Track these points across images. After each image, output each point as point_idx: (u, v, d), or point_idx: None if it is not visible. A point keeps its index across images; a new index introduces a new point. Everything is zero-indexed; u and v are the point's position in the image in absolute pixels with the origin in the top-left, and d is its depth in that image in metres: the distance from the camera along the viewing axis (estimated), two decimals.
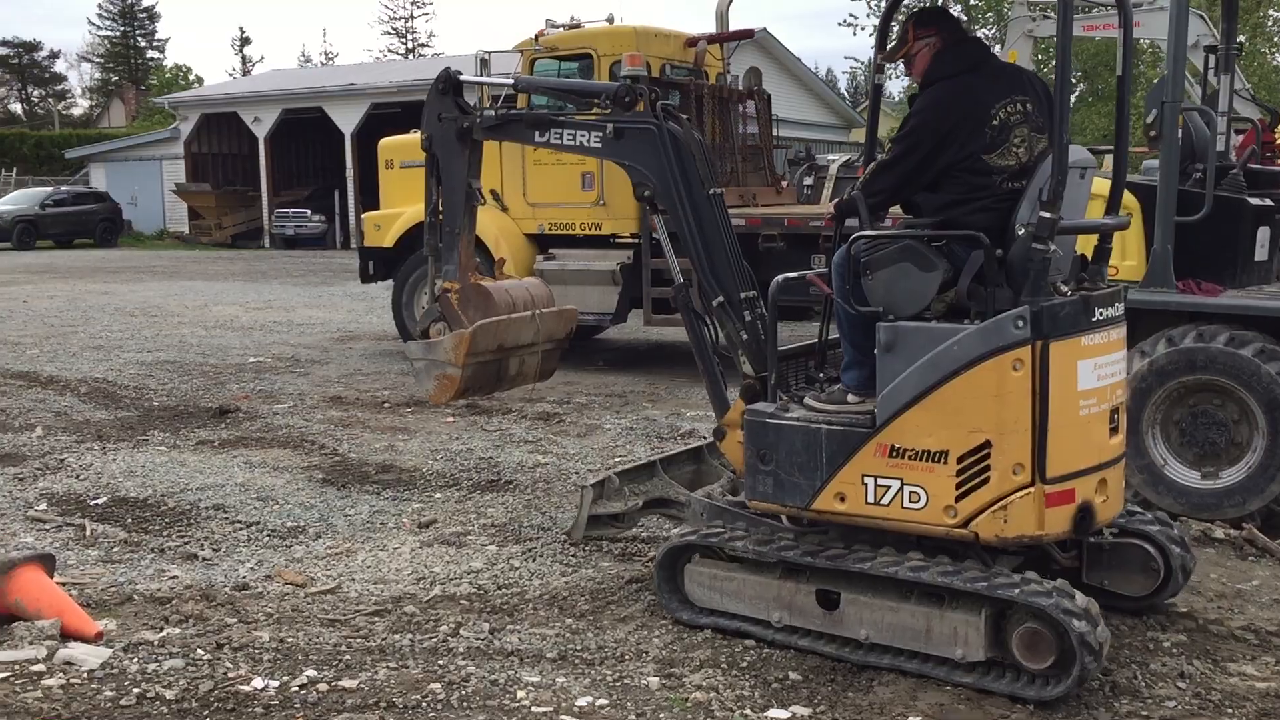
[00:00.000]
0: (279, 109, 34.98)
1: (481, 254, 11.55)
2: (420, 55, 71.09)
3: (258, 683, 4.19)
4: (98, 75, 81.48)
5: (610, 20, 11.91)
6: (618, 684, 4.23)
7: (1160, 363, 6.17)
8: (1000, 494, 4.07)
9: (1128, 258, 6.77)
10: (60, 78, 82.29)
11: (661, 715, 3.98)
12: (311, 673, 4.28)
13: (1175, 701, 4.10)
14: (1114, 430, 4.33)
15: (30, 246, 33.22)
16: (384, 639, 4.66)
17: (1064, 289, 4.23)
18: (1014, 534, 4.09)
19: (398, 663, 4.41)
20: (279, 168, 36.25)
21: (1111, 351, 4.30)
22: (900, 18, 5.27)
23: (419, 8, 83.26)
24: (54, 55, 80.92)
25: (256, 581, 5.37)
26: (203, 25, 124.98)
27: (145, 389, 10.32)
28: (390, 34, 79.02)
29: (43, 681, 4.17)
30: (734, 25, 12.88)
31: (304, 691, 4.13)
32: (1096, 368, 4.19)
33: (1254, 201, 6.92)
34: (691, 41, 11.92)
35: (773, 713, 4.01)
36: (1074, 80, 40.20)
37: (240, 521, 6.33)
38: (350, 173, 33.38)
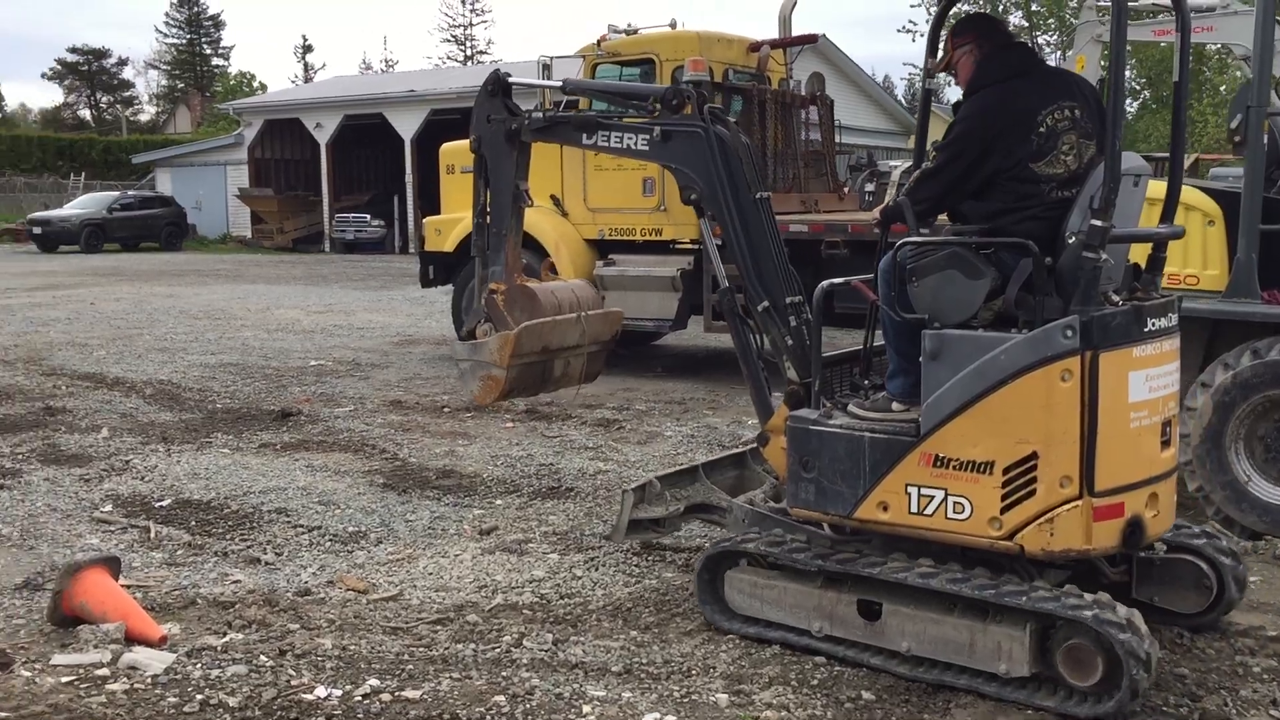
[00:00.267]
0: (340, 115, 35.40)
1: (541, 258, 11.59)
2: (479, 62, 71.58)
3: (320, 691, 4.14)
4: (164, 82, 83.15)
5: (673, 25, 11.82)
6: (685, 700, 4.13)
7: (1245, 376, 5.96)
8: (1047, 506, 3.99)
9: (1210, 267, 6.54)
10: (128, 84, 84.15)
11: None
12: (374, 682, 4.22)
13: None
14: (1166, 443, 4.22)
15: (98, 249, 33.85)
16: (447, 648, 4.60)
17: (1115, 299, 4.14)
18: (1060, 548, 4.00)
19: (461, 673, 4.34)
20: (340, 173, 36.67)
21: (1164, 363, 4.20)
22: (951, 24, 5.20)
23: (478, 15, 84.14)
24: (122, 62, 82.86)
25: (319, 587, 5.34)
26: (266, 33, 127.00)
27: (209, 391, 10.40)
28: (449, 41, 79.68)
29: (107, 686, 4.15)
30: (795, 31, 12.75)
31: (367, 701, 4.07)
32: (1148, 379, 4.09)
33: None
34: (754, 46, 11.80)
35: None
36: (1138, 87, 39.50)
37: (302, 526, 6.32)
38: (409, 178, 33.68)
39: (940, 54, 4.77)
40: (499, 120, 5.54)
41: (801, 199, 11.71)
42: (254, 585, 5.33)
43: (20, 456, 7.79)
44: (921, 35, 34.86)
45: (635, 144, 5.16)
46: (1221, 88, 34.05)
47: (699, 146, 4.90)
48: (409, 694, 4.13)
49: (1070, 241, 4.07)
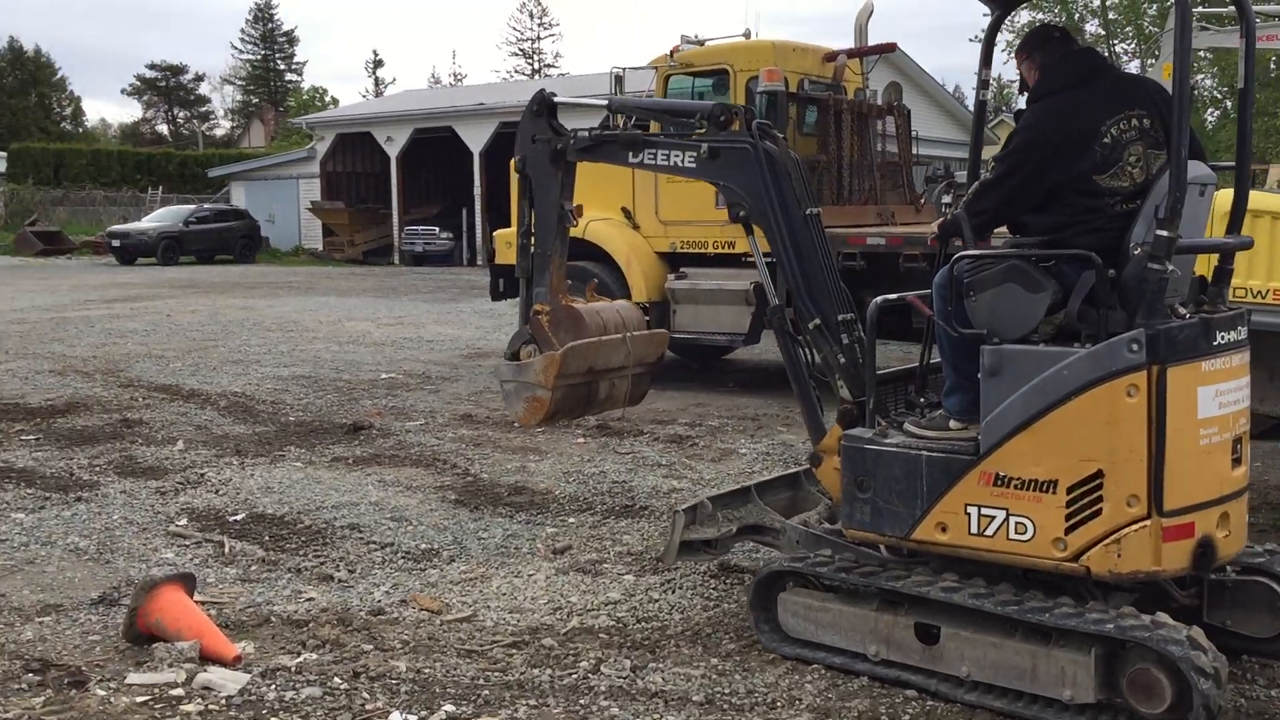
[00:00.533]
0: (410, 128, 35.74)
1: (612, 271, 11.51)
2: (546, 75, 72.09)
3: (395, 716, 4.05)
4: (239, 97, 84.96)
5: (747, 35, 11.67)
6: None
7: None
8: (1113, 527, 3.88)
9: None
10: (204, 100, 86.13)
11: None
12: (450, 708, 4.12)
13: None
14: (1237, 461, 4.07)
15: (174, 262, 34.49)
16: (522, 673, 4.48)
17: (1182, 311, 4.01)
18: (1128, 569, 3.87)
19: (538, 700, 4.22)
20: (409, 186, 37.02)
21: (1234, 378, 4.05)
22: (1006, 34, 5.11)
23: (545, 29, 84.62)
24: (199, 78, 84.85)
25: (392, 606, 5.26)
26: (338, 48, 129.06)
27: (282, 404, 10.44)
28: (518, 55, 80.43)
29: (181, 707, 4.09)
30: (871, 40, 12.53)
31: None
32: (1218, 395, 3.96)
33: None
34: (830, 56, 11.61)
35: None
36: (1219, 95, 38.52)
37: (375, 542, 6.26)
38: (478, 190, 33.88)
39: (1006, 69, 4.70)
40: (544, 140, 5.55)
41: (878, 211, 11.49)
42: (327, 603, 5.27)
43: (98, 469, 7.85)
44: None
45: (682, 161, 5.13)
46: None
47: (747, 163, 4.86)
48: None
49: (1135, 253, 3.96)
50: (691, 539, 5.33)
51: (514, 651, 4.71)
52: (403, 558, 6.01)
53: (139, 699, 4.15)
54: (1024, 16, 34.12)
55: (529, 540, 6.33)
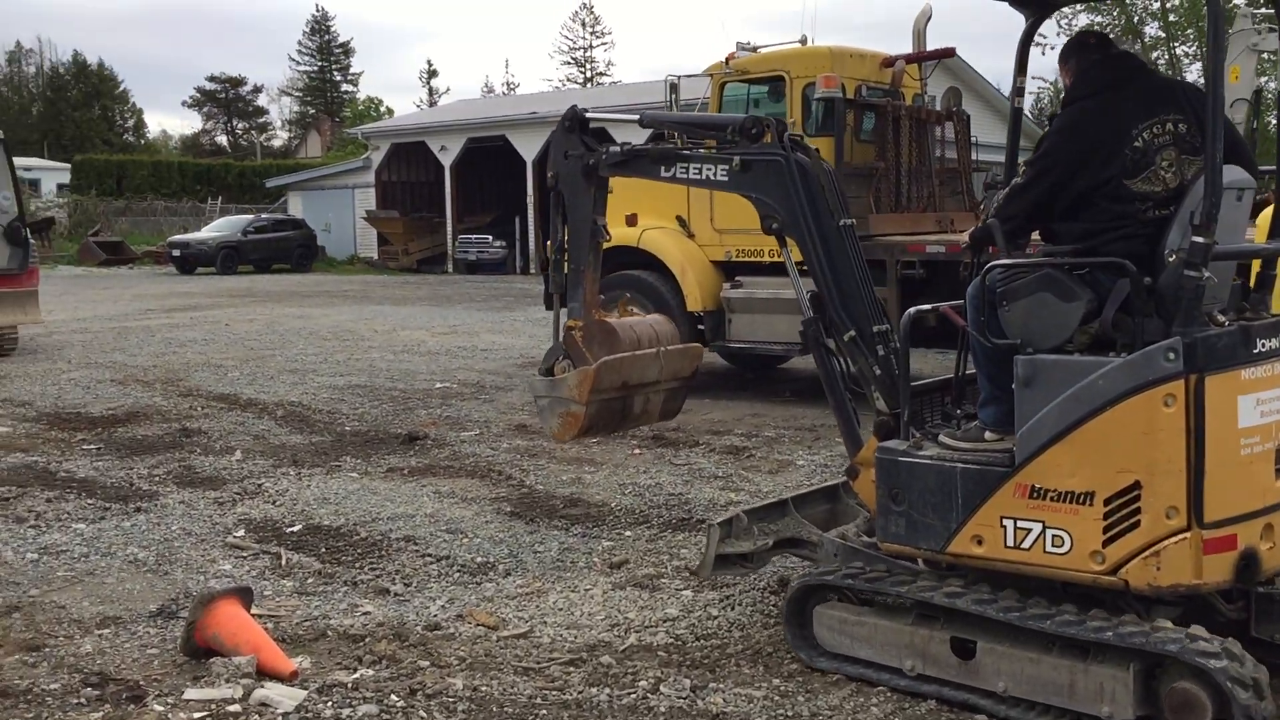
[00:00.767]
0: (464, 138, 35.98)
1: (667, 280, 11.43)
2: (598, 84, 72.25)
3: None
4: (296, 108, 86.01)
5: (803, 42, 11.55)
6: None
7: None
8: (1152, 539, 3.78)
9: None
10: (262, 111, 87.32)
11: None
12: None
13: None
14: None
15: (232, 271, 34.97)
16: (580, 692, 4.40)
17: (1221, 319, 3.89)
18: (1168, 583, 3.76)
19: None
20: (463, 194, 37.26)
21: (1277, 386, 3.92)
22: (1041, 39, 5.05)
23: (598, 38, 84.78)
24: (257, 90, 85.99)
25: (448, 621, 5.20)
26: (393, 59, 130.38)
27: (337, 413, 10.47)
28: (570, 64, 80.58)
29: None
30: (929, 45, 12.35)
31: None
32: (1259, 403, 3.85)
33: None
34: (888, 62, 11.46)
35: None
36: (1271, 99, 37.63)
37: (431, 555, 6.22)
38: (531, 199, 33.99)
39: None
40: (576, 156, 5.55)
41: (937, 218, 11.33)
42: (383, 618, 5.23)
43: (157, 479, 7.90)
44: (1052, 49, 33.87)
45: (714, 175, 5.12)
46: None
47: (779, 175, 4.84)
48: None
49: (1170, 260, 3.88)
50: (727, 552, 5.25)
51: (572, 669, 4.63)
52: (458, 571, 5.97)
53: (196, 715, 4.12)
54: (1082, 19, 33.61)
55: (585, 554, 6.26)
